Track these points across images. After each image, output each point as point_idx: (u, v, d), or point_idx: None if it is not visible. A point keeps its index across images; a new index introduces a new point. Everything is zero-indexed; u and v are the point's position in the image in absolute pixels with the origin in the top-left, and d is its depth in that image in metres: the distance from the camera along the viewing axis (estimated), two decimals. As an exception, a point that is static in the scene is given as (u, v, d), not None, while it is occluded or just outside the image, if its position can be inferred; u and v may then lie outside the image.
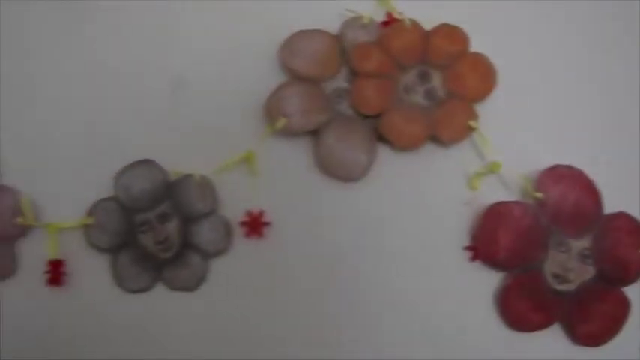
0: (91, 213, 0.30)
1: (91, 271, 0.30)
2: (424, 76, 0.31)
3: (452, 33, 0.31)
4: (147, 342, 0.30)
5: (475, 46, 0.31)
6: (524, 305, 0.30)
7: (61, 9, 0.32)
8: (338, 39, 0.31)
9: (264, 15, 0.31)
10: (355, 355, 0.30)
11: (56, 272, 0.30)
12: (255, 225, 0.30)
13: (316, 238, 0.30)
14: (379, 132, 0.30)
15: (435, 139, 0.30)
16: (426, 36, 0.31)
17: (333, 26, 0.31)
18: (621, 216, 0.30)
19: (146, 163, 0.29)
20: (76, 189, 0.30)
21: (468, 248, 0.30)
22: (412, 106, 0.30)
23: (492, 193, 0.30)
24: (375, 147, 0.30)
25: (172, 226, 0.30)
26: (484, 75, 0.31)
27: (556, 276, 0.30)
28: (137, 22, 0.31)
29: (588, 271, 0.30)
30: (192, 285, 0.30)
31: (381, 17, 0.31)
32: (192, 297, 0.30)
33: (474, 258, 0.30)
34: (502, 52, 0.31)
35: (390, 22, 0.31)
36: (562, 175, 0.30)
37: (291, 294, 0.30)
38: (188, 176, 0.30)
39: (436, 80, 0.31)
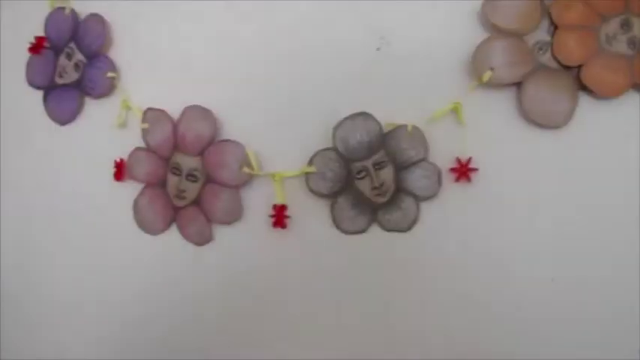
0: (311, 162, 0.33)
1: (312, 215, 0.33)
2: (626, 25, 0.31)
3: (653, -18, 0.32)
4: (361, 279, 0.33)
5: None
6: None
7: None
8: (537, -6, 0.32)
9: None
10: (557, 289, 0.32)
11: (280, 216, 0.33)
12: (463, 171, 0.32)
13: (520, 184, 0.32)
14: (581, 82, 0.32)
15: (638, 87, 0.32)
16: (626, -14, 0.32)
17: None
18: None
19: (362, 115, 0.32)
20: (296, 141, 0.33)
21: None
22: (614, 55, 0.31)
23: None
24: (577, 96, 0.32)
25: (387, 173, 0.32)
26: (687, 21, 0.31)
27: None
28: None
29: None
30: (405, 227, 0.32)
31: (577, -30, 0.33)
32: (405, 238, 0.32)
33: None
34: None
35: (587, -26, 0.32)
36: None
37: (495, 239, 0.32)
38: (401, 127, 0.32)
39: (638, 28, 0.31)
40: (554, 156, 0.32)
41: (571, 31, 0.32)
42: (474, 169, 0.32)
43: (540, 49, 0.32)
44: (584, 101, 0.32)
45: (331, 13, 0.33)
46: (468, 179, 0.32)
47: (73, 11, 0.38)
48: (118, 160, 0.36)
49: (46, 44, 0.39)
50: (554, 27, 0.32)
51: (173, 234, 0.35)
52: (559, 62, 0.32)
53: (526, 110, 0.32)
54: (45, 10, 0.39)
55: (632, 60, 0.31)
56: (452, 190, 0.32)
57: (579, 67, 0.31)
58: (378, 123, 0.32)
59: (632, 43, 0.31)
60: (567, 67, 0.32)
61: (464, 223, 0.32)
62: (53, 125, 0.38)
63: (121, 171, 0.36)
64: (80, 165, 0.38)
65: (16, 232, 0.40)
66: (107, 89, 0.37)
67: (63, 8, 0.39)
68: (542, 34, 0.32)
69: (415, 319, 0.32)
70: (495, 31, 0.32)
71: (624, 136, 0.32)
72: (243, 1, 0.34)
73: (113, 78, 0.37)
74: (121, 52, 0.37)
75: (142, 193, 0.36)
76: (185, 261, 0.35)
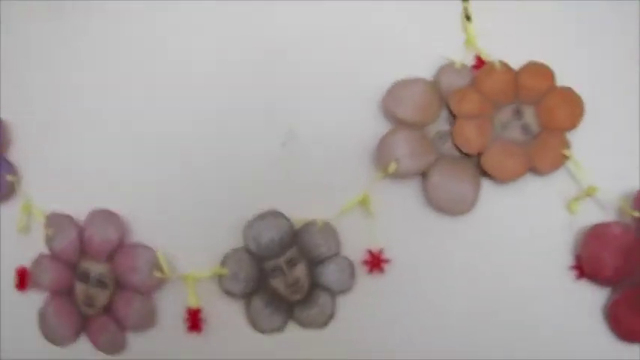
0: (223, 263, 0.32)
1: (227, 316, 0.32)
2: (518, 113, 0.33)
3: (539, 70, 0.33)
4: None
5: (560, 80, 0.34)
6: (636, 318, 0.32)
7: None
8: (435, 85, 0.33)
9: (365, 66, 0.34)
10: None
11: (195, 319, 0.32)
12: (376, 262, 0.32)
13: (432, 270, 0.32)
14: (482, 168, 0.33)
15: (533, 170, 0.33)
16: (515, 75, 0.33)
17: (427, 73, 0.34)
18: None
19: (272, 213, 0.32)
20: (207, 241, 0.33)
21: (573, 268, 0.33)
22: (509, 141, 0.33)
23: (592, 216, 0.33)
24: (480, 182, 0.33)
25: (301, 270, 0.32)
26: (573, 106, 0.33)
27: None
28: (242, 80, 0.34)
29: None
30: (322, 322, 0.32)
31: (470, 61, 0.34)
32: (323, 334, 0.32)
33: (580, 276, 0.32)
34: (586, 82, 0.34)
35: (479, 65, 0.34)
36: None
37: (414, 326, 0.32)
38: (311, 222, 0.32)
39: (529, 115, 0.33)
40: (463, 240, 0.33)
41: (468, 120, 0.33)
42: (387, 260, 0.32)
43: (441, 138, 0.33)
44: (487, 186, 0.33)
45: (237, 110, 0.33)
46: (381, 270, 0.32)
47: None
48: (21, 268, 0.35)
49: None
50: (453, 117, 0.33)
51: (83, 344, 0.34)
52: (460, 150, 0.33)
53: (432, 199, 0.32)
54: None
55: (527, 145, 0.33)
56: (366, 282, 0.32)
57: (479, 154, 0.33)
58: (288, 220, 0.32)
59: (525, 129, 0.33)
60: (468, 155, 0.33)
61: (380, 315, 0.32)
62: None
63: (24, 279, 0.34)
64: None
65: None
66: (7, 192, 0.35)
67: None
68: (442, 124, 0.33)
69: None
70: (397, 122, 0.33)
71: (526, 216, 0.33)
72: (149, 100, 0.34)
73: (12, 181, 0.35)
74: (20, 153, 0.36)
75: (47, 303, 0.34)
76: (98, 371, 0.34)
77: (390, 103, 0.33)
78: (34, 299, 0.34)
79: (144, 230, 0.33)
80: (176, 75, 0.34)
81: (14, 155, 0.36)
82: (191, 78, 0.34)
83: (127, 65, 0.35)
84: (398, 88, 0.33)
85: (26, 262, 0.34)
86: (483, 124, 0.33)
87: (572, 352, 0.32)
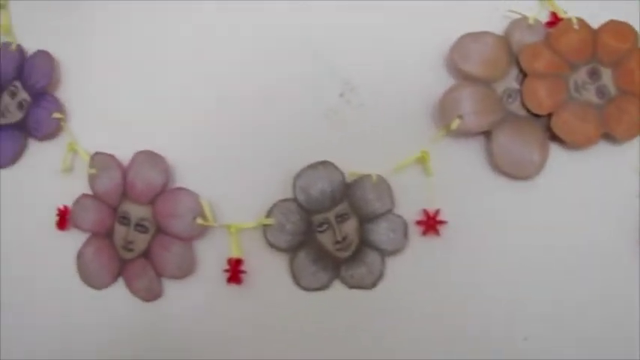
0: (269, 214, 0.31)
1: (270, 270, 0.31)
2: (594, 74, 0.31)
3: (621, 30, 0.31)
4: (323, 340, 0.31)
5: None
6: None
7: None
8: (505, 40, 0.31)
9: (429, 19, 0.32)
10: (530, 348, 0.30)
11: (236, 271, 0.31)
12: (431, 224, 0.30)
13: (490, 236, 0.30)
14: (551, 131, 0.30)
15: (607, 136, 0.31)
16: (594, 34, 0.31)
17: (497, 28, 0.32)
18: None
19: (324, 164, 0.30)
20: (254, 190, 0.31)
21: (643, 244, 0.30)
22: (584, 104, 0.30)
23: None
24: (548, 145, 0.30)
25: (350, 226, 0.30)
26: (655, 71, 0.31)
27: None
28: (306, 33, 0.32)
29: None
30: (369, 283, 0.30)
31: (544, 17, 0.32)
32: (369, 295, 0.30)
33: (650, 253, 0.30)
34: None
35: (554, 21, 0.32)
36: None
37: (467, 292, 0.30)
38: (365, 177, 0.30)
39: (606, 77, 0.31)
40: (524, 206, 0.31)
41: (540, 79, 0.30)
42: (443, 222, 0.30)
43: (509, 96, 0.31)
44: (555, 150, 0.31)
45: (294, 56, 0.32)
46: (436, 232, 0.30)
47: (19, 47, 0.36)
48: (62, 207, 0.34)
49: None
50: (523, 75, 0.31)
51: (119, 288, 0.33)
52: (528, 111, 0.31)
53: (496, 160, 0.30)
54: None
55: (602, 109, 0.30)
56: (419, 244, 0.30)
57: (549, 115, 0.31)
58: (341, 172, 0.30)
59: (600, 92, 0.31)
60: (537, 116, 0.31)
61: (432, 279, 0.30)
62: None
63: (64, 219, 0.34)
64: (21, 211, 0.35)
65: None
66: (53, 131, 0.34)
67: (9, 43, 0.36)
68: (510, 82, 0.31)
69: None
70: (463, 78, 0.31)
71: (594, 187, 0.31)
72: (202, 44, 0.33)
73: (59, 119, 0.34)
74: (69, 92, 0.35)
75: (86, 244, 0.33)
76: (132, 318, 0.33)
77: (457, 56, 0.31)
78: (74, 239, 0.33)
79: (189, 176, 0.32)
80: (232, 22, 0.33)
81: (63, 94, 0.35)
82: (247, 26, 0.32)
83: (179, 7, 0.34)
84: (466, 42, 0.31)
85: (68, 201, 0.33)
86: (556, 84, 0.30)
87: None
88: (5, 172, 0.35)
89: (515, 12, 0.31)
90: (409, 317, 0.31)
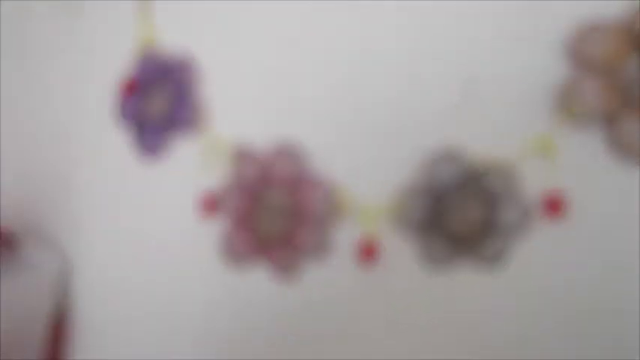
0: (402, 197, 0.33)
1: (400, 251, 0.33)
2: None
3: None
4: (451, 319, 0.33)
5: None
6: None
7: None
8: (627, 27, 0.32)
9: (549, 6, 0.33)
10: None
11: (369, 251, 0.34)
12: (554, 205, 0.32)
13: (614, 220, 0.32)
14: (676, 116, 0.31)
15: None
16: None
17: (619, 16, 0.33)
18: None
19: (451, 151, 0.32)
20: (385, 176, 0.34)
21: None
22: None
23: None
24: (673, 130, 0.31)
25: (477, 209, 0.32)
26: None
27: None
28: (427, 22, 0.34)
29: None
30: (495, 264, 0.32)
31: (668, 5, 0.33)
32: (494, 276, 0.32)
33: None
34: None
35: (678, 8, 0.32)
36: None
37: (591, 276, 0.32)
38: (490, 162, 0.32)
39: None
40: (648, 191, 0.32)
41: (664, 65, 0.31)
42: (566, 204, 0.32)
43: (633, 84, 0.32)
44: (680, 136, 0.32)
45: (423, 50, 0.34)
46: (560, 214, 0.32)
47: (161, 48, 0.40)
48: (206, 194, 0.38)
49: (136, 82, 0.41)
50: (646, 62, 0.32)
51: (260, 269, 0.36)
52: (653, 97, 0.32)
53: (621, 145, 0.31)
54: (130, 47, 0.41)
55: None
56: (543, 227, 0.32)
57: (674, 101, 0.31)
58: (469, 158, 0.32)
59: None
60: (661, 102, 0.32)
61: (555, 260, 0.32)
62: (142, 159, 0.40)
63: (209, 206, 0.37)
64: (167, 199, 0.39)
65: (101, 262, 0.41)
66: (195, 125, 0.38)
67: (152, 46, 0.41)
68: (633, 69, 0.32)
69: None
70: (587, 64, 0.32)
71: None
72: (336, 37, 0.35)
73: (201, 114, 0.38)
74: (210, 87, 0.39)
75: (230, 229, 0.37)
76: (271, 296, 0.36)
77: (580, 45, 0.32)
78: (219, 224, 0.37)
79: (324, 161, 0.35)
80: (362, 15, 0.35)
81: (204, 91, 0.38)
82: (378, 16, 0.35)
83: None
84: (589, 30, 0.32)
85: (211, 189, 0.37)
86: (682, 70, 0.31)
87: None
88: (154, 162, 0.40)
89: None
90: (531, 299, 0.32)
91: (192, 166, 0.38)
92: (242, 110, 0.38)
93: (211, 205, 0.37)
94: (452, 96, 0.33)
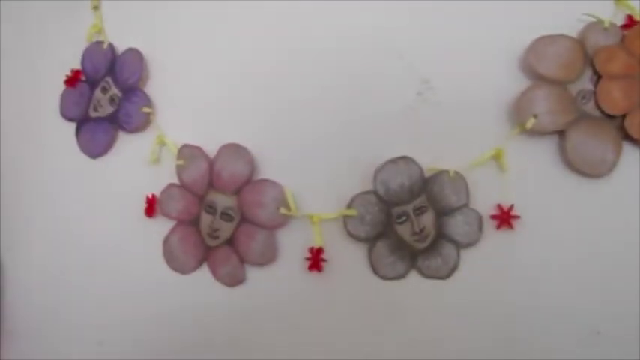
0: (351, 205, 0.32)
1: (349, 259, 0.33)
2: (669, 76, 0.32)
3: (697, 34, 0.32)
4: (398, 326, 0.32)
5: None
6: None
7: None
8: (580, 43, 0.32)
9: (505, 21, 0.33)
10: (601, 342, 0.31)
11: (317, 259, 0.33)
12: (505, 218, 0.31)
13: (563, 231, 0.32)
14: (625, 131, 0.31)
15: (682, 139, 0.31)
16: (669, 37, 0.32)
17: (572, 30, 0.33)
18: None
19: (404, 159, 0.32)
20: (335, 183, 0.33)
21: None
22: (658, 105, 0.31)
23: None
24: (621, 145, 0.31)
25: (428, 218, 0.32)
26: None
27: None
28: (387, 34, 0.34)
29: None
30: (444, 274, 0.32)
31: (619, 20, 0.33)
32: (444, 285, 0.32)
33: None
34: None
35: (630, 24, 0.32)
36: None
37: (539, 286, 0.31)
38: (442, 172, 0.32)
39: (682, 80, 0.32)
40: (596, 205, 0.32)
41: (615, 80, 0.31)
42: (516, 217, 0.31)
43: (583, 97, 0.32)
44: (628, 149, 0.32)
45: (376, 55, 0.33)
46: (510, 226, 0.32)
47: (110, 45, 0.39)
48: (151, 195, 0.36)
49: (82, 77, 0.39)
50: (598, 76, 0.32)
51: (203, 274, 0.35)
52: (602, 111, 0.32)
53: (569, 159, 0.31)
54: (82, 43, 0.39)
55: (677, 111, 0.31)
56: (493, 238, 0.32)
57: (623, 116, 0.31)
58: (420, 167, 0.32)
59: (676, 94, 0.31)
60: (611, 117, 0.32)
61: (505, 271, 0.32)
62: (85, 158, 0.38)
63: (152, 207, 0.36)
64: (111, 199, 0.38)
65: (43, 263, 0.39)
66: (142, 124, 0.37)
67: (101, 42, 0.39)
68: (585, 83, 0.32)
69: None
70: (539, 78, 0.32)
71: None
72: (288, 41, 0.34)
73: (148, 113, 0.37)
74: (157, 87, 0.37)
75: (173, 231, 0.35)
76: (215, 302, 0.35)
77: (533, 58, 0.32)
78: (161, 226, 0.36)
79: (273, 167, 0.34)
80: (315, 21, 0.34)
81: (151, 89, 0.37)
82: (330, 25, 0.34)
83: (266, 4, 0.35)
84: (542, 44, 0.32)
85: (156, 190, 0.36)
86: (630, 85, 0.31)
87: None
88: (97, 162, 0.38)
89: (591, 15, 0.33)
90: (480, 307, 0.32)
91: (137, 166, 0.37)
92: (190, 111, 0.36)
93: (155, 206, 0.36)
94: (406, 101, 0.33)
